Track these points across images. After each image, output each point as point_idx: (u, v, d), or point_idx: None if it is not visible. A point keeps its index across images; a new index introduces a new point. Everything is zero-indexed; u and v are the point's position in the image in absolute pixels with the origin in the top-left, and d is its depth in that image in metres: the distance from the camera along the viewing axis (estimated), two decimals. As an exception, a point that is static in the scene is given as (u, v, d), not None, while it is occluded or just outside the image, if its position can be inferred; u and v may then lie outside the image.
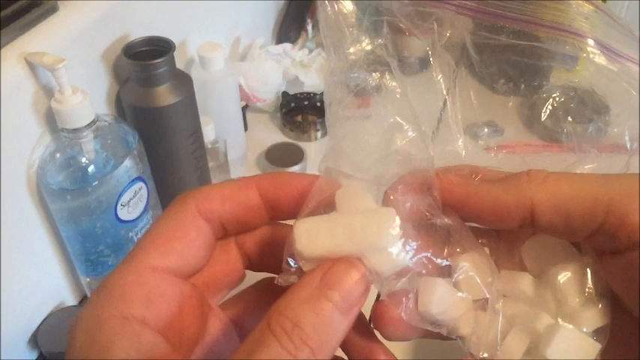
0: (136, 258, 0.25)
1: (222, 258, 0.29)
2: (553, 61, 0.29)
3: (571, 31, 0.27)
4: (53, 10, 0.60)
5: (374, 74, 0.28)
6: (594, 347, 0.26)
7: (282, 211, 0.28)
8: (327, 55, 0.28)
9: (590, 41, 0.27)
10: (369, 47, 0.28)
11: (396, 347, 0.73)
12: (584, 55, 0.27)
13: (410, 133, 0.28)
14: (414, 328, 0.28)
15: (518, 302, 0.28)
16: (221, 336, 0.28)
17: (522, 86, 0.31)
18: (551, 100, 0.30)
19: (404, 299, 0.27)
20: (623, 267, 0.24)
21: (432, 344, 0.69)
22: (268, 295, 0.27)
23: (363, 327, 0.29)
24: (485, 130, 0.32)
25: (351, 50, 0.28)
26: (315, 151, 0.93)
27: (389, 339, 0.28)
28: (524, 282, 0.28)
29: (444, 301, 0.27)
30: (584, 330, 0.26)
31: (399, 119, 0.28)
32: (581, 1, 0.28)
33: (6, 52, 0.55)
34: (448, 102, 0.29)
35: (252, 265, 0.30)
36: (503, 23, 0.27)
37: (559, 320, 0.26)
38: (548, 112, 0.29)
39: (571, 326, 0.26)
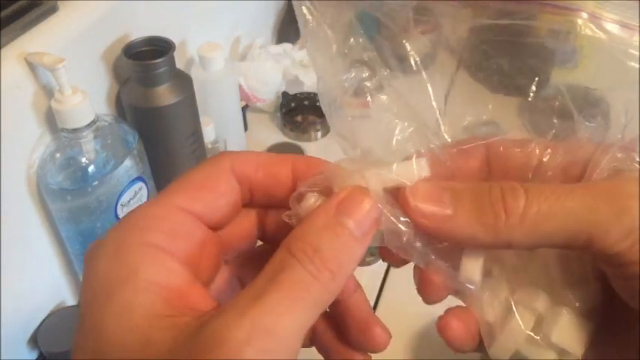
0: (165, 197, 0.26)
1: (241, 222, 0.30)
2: (553, 60, 0.29)
3: (563, 6, 0.27)
4: (53, 10, 0.60)
5: (368, 74, 0.28)
6: (589, 327, 0.27)
7: None
8: (311, 60, 0.28)
9: (584, 14, 0.27)
10: (359, 48, 0.28)
11: (395, 347, 0.73)
12: (578, 29, 0.27)
13: (410, 130, 0.27)
14: (447, 292, 0.29)
15: (511, 272, 0.28)
16: (225, 286, 0.30)
17: (522, 86, 0.31)
18: (551, 99, 0.30)
19: (444, 268, 0.27)
20: (618, 274, 0.25)
21: (433, 344, 0.69)
22: (266, 255, 0.28)
23: (362, 304, 0.30)
24: (484, 129, 0.32)
25: (344, 51, 0.28)
26: (315, 151, 0.93)
27: (429, 303, 0.29)
28: (513, 253, 0.28)
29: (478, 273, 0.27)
30: (577, 305, 0.26)
31: (396, 120, 0.28)
32: None
33: (6, 52, 0.55)
34: (446, 102, 0.29)
35: (266, 238, 0.31)
36: (502, 6, 0.27)
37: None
38: (548, 111, 0.29)
39: (570, 311, 0.27)
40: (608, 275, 0.26)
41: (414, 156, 0.27)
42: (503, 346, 0.27)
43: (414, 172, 0.26)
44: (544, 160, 0.27)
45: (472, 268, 0.27)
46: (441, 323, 0.28)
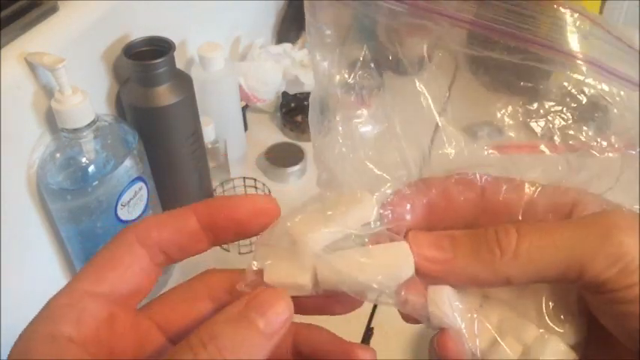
0: (72, 284, 0.27)
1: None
2: (552, 64, 0.29)
3: (563, 51, 0.27)
4: (53, 10, 0.60)
5: (366, 78, 0.28)
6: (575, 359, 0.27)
7: (220, 236, 0.30)
8: (312, 59, 0.28)
9: (580, 62, 0.27)
10: (360, 52, 0.28)
11: (395, 347, 0.73)
12: (576, 76, 0.28)
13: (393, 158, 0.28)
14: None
15: (501, 305, 0.28)
16: (155, 353, 0.30)
17: (521, 88, 0.31)
18: (550, 102, 0.30)
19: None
20: (606, 301, 0.25)
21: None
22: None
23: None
24: (485, 129, 0.32)
25: (342, 54, 0.28)
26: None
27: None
28: (505, 289, 0.28)
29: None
30: (564, 338, 0.27)
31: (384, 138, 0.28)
32: (577, 14, 0.27)
33: (6, 52, 0.55)
34: (446, 103, 0.29)
35: None
36: (498, 38, 0.27)
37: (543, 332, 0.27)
38: (547, 113, 0.29)
39: (559, 339, 0.27)
40: (595, 308, 0.27)
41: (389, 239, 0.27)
42: None
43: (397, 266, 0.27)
44: (534, 196, 0.28)
45: (439, 297, 0.27)
46: (438, 343, 0.28)
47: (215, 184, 0.80)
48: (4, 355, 0.63)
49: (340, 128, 0.29)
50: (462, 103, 0.30)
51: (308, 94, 0.98)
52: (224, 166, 0.84)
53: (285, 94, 0.97)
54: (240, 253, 0.77)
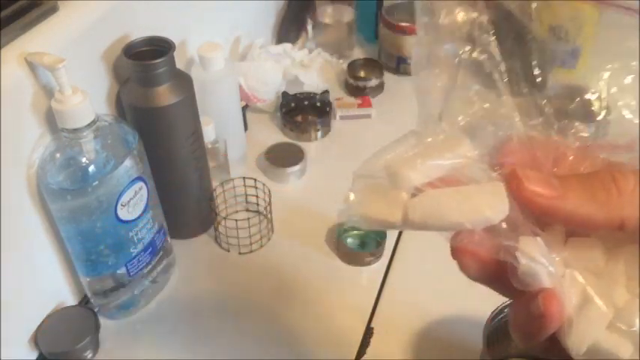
0: None
1: None
2: (553, 60, 0.29)
3: None
4: (53, 10, 0.60)
5: (465, 47, 0.28)
6: None
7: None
8: (417, 24, 0.28)
9: None
10: (462, 19, 0.28)
11: (395, 347, 0.73)
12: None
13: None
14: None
15: (589, 269, 0.28)
16: None
17: (522, 87, 0.31)
18: (550, 99, 0.30)
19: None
20: None
21: (433, 344, 0.69)
22: None
23: None
24: (491, 129, 0.32)
25: (445, 21, 0.28)
26: (315, 151, 0.93)
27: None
28: (596, 252, 0.28)
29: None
30: None
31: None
32: None
33: (6, 52, 0.55)
34: (448, 101, 0.29)
35: None
36: None
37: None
38: (547, 112, 0.30)
39: None
40: None
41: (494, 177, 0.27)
42: (582, 335, 0.27)
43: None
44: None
45: (532, 247, 0.27)
46: (544, 301, 0.27)
47: (215, 184, 0.80)
48: (5, 356, 0.63)
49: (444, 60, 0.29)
50: (463, 102, 0.30)
51: (308, 94, 0.98)
52: (224, 166, 0.84)
53: (285, 94, 0.97)
54: (240, 254, 0.77)
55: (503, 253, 0.27)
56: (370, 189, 0.28)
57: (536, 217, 0.27)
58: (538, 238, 0.27)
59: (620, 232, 0.26)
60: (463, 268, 0.29)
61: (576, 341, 0.27)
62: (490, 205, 0.26)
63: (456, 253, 0.28)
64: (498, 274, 0.28)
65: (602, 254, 0.28)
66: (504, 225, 0.27)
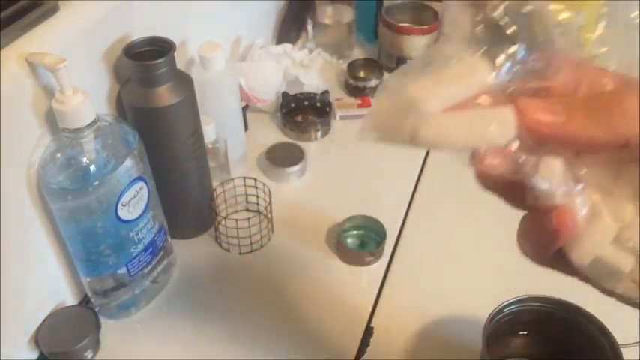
0: None
1: None
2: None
3: None
4: (54, 10, 0.60)
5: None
6: None
7: None
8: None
9: None
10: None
11: (395, 347, 0.73)
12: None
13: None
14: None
15: (597, 188, 0.28)
16: None
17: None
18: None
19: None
20: None
21: (433, 344, 0.69)
22: None
23: None
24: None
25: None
26: (315, 151, 0.93)
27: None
28: (605, 171, 0.29)
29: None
30: None
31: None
32: None
33: (7, 53, 0.55)
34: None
35: None
36: None
37: None
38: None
39: None
40: None
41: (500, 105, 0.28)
42: (586, 248, 0.28)
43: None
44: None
45: (551, 165, 0.28)
46: (557, 218, 0.27)
47: (215, 184, 0.80)
48: (4, 356, 0.63)
49: None
50: None
51: (308, 94, 0.98)
52: (224, 166, 0.84)
53: (285, 94, 0.97)
54: (240, 253, 0.77)
55: (522, 174, 0.28)
56: (390, 102, 0.29)
57: (544, 142, 0.27)
58: (557, 160, 0.28)
59: (625, 151, 0.26)
60: (479, 177, 0.29)
61: (581, 253, 0.28)
62: (496, 129, 0.27)
63: (474, 160, 0.29)
64: (513, 187, 0.29)
65: (610, 173, 0.29)
66: (521, 147, 0.27)
